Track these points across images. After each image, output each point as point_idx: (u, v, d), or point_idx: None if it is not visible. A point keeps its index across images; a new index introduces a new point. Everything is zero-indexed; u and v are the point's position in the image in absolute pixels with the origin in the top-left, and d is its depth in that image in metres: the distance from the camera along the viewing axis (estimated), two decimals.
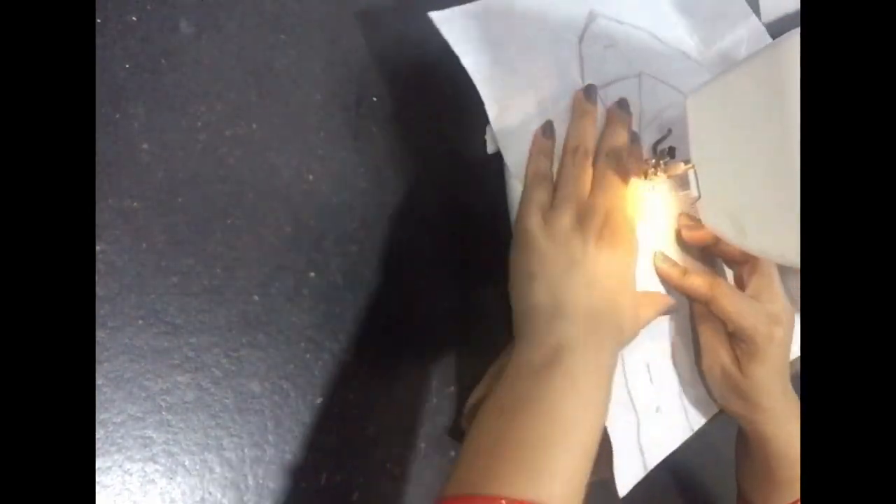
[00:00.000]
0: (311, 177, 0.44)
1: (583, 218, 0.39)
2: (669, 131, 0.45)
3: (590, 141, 0.42)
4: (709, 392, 0.46)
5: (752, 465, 0.46)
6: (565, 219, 0.39)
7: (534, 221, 0.40)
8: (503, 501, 0.31)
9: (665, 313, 0.44)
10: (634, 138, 0.44)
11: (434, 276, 0.48)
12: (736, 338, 0.43)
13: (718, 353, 0.43)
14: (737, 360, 0.43)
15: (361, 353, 0.44)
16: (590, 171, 0.41)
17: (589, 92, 0.44)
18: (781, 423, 0.43)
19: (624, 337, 0.40)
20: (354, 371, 0.44)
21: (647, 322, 0.42)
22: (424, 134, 0.49)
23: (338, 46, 0.45)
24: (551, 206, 0.40)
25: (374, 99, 0.46)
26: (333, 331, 0.43)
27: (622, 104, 0.45)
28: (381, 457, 0.44)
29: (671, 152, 0.42)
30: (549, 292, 0.38)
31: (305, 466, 0.41)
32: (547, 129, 0.43)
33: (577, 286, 0.38)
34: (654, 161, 0.42)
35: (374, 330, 0.45)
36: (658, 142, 0.45)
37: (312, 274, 0.43)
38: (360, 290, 0.45)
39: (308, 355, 0.42)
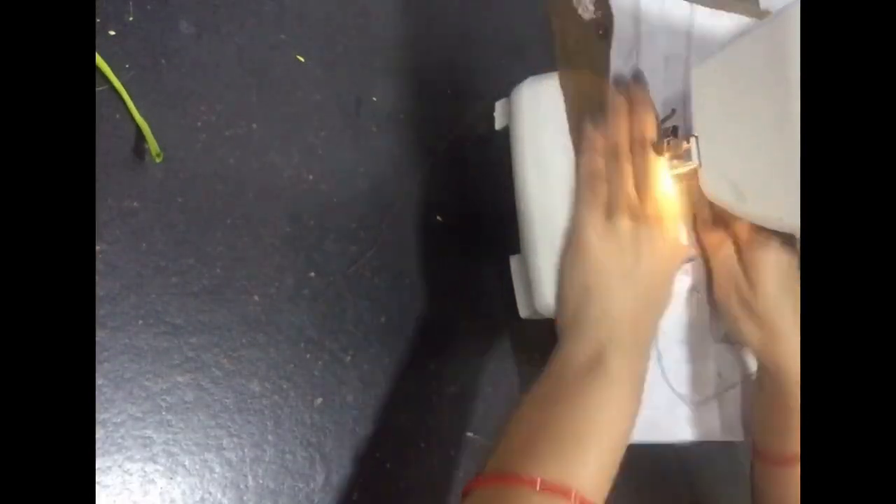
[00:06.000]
0: (311, 177, 0.44)
1: (637, 221, 0.41)
2: (674, 111, 0.46)
3: (625, 137, 0.43)
4: (726, 327, 0.47)
5: (767, 406, 0.46)
6: (624, 227, 0.41)
7: (594, 233, 0.41)
8: (539, 481, 0.33)
9: (687, 261, 0.46)
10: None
11: (435, 276, 0.48)
12: (749, 256, 0.44)
13: (733, 276, 0.45)
14: (750, 283, 0.44)
15: (361, 353, 0.44)
16: (630, 166, 0.42)
17: (622, 81, 0.44)
18: (795, 349, 0.43)
19: (659, 325, 0.42)
20: (354, 371, 0.44)
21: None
22: (424, 134, 0.49)
23: (338, 46, 0.45)
24: (607, 214, 0.41)
25: (374, 99, 0.46)
26: (333, 331, 0.44)
27: (638, 77, 0.45)
28: (381, 457, 0.44)
29: (675, 131, 0.42)
30: (601, 303, 0.40)
31: (305, 466, 0.41)
32: (598, 122, 0.43)
33: (628, 298, 0.40)
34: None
35: (374, 330, 0.45)
36: (663, 121, 0.45)
37: (312, 274, 0.43)
38: (360, 289, 0.45)
39: (308, 355, 0.42)
